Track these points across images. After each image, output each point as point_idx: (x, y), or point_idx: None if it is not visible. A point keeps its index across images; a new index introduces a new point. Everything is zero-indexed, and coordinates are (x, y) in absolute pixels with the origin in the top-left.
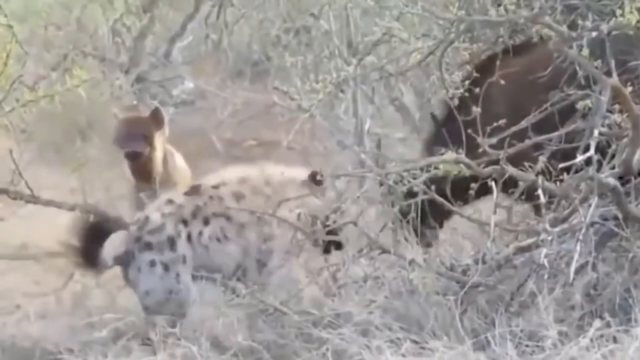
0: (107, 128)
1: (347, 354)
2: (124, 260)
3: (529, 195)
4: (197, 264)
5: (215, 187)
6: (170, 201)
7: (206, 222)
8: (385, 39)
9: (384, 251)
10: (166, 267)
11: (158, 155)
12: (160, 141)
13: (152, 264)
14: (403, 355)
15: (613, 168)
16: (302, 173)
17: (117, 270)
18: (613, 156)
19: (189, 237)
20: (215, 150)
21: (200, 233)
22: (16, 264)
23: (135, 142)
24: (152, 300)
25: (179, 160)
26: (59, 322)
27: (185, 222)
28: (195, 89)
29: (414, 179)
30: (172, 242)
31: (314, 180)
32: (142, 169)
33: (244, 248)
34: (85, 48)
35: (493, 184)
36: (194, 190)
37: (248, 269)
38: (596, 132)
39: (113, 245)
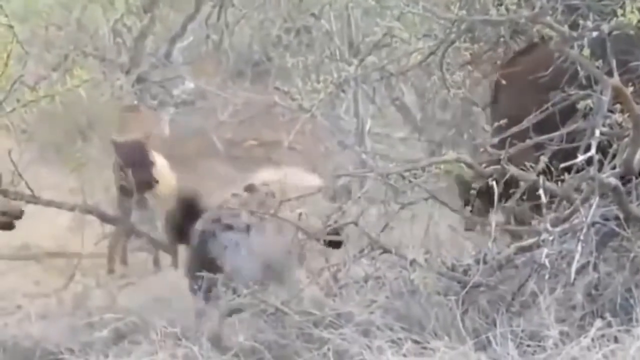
0: (108, 128)
1: (348, 354)
2: (201, 240)
3: (530, 195)
4: (263, 256)
5: (266, 184)
6: (236, 195)
7: (265, 217)
8: (386, 39)
9: (385, 251)
10: (248, 251)
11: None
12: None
13: (237, 245)
14: (404, 356)
15: (614, 168)
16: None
17: (119, 270)
18: (614, 156)
19: (257, 229)
20: (215, 150)
21: (263, 228)
22: (17, 264)
23: (143, 171)
24: (240, 276)
25: (165, 167)
26: (60, 322)
27: (253, 214)
28: (195, 89)
29: (415, 178)
30: (247, 229)
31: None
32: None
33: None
34: (86, 48)
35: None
36: (249, 189)
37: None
38: (597, 132)
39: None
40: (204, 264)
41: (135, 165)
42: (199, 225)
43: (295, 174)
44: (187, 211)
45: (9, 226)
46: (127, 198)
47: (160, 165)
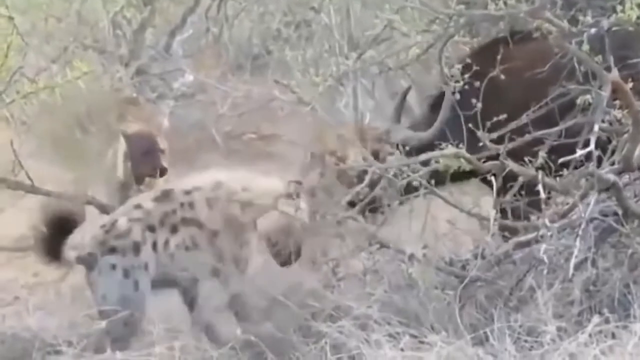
0: (107, 120)
1: (346, 348)
2: (88, 262)
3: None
4: (160, 271)
5: (188, 192)
6: (138, 206)
7: (174, 230)
8: (386, 33)
9: (384, 245)
10: (126, 273)
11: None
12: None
13: (113, 267)
14: (402, 350)
15: (613, 164)
16: (278, 184)
17: None
18: (613, 152)
19: (154, 245)
20: (215, 143)
21: (167, 242)
22: (15, 255)
23: (158, 160)
24: (107, 305)
25: None
26: (58, 314)
27: (152, 229)
28: (195, 82)
29: (414, 172)
30: (136, 248)
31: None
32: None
33: (218, 255)
34: (86, 40)
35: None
36: (164, 195)
37: (226, 276)
38: (596, 128)
39: (75, 244)
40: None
41: (146, 155)
42: (85, 248)
43: (248, 178)
44: (61, 227)
45: None
46: (128, 190)
47: None
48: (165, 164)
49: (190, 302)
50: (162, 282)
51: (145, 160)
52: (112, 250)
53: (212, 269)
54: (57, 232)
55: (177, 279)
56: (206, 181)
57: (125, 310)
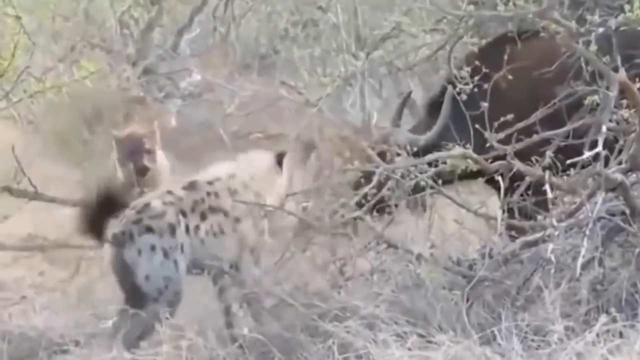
0: (114, 120)
1: (353, 348)
2: (120, 241)
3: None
4: (193, 256)
5: (211, 182)
6: (170, 192)
7: (203, 217)
8: (394, 33)
9: (391, 245)
10: (166, 254)
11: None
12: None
13: (153, 248)
14: (409, 349)
15: (620, 163)
16: (267, 157)
17: None
18: (620, 151)
19: (187, 229)
20: (222, 142)
21: (197, 227)
22: (22, 255)
23: (140, 157)
24: (152, 287)
25: (161, 155)
26: (65, 313)
27: (184, 214)
28: (202, 82)
29: (421, 173)
30: (172, 230)
31: (279, 162)
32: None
33: (240, 241)
34: (93, 40)
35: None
36: (191, 185)
37: (243, 261)
38: (604, 128)
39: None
40: (120, 269)
41: (131, 156)
42: (116, 227)
43: (252, 167)
44: (105, 207)
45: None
46: (130, 191)
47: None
48: (147, 163)
49: (220, 288)
50: (193, 267)
51: (130, 161)
52: (149, 230)
53: (251, 246)
54: (102, 211)
55: (205, 265)
56: (222, 172)
57: (169, 291)
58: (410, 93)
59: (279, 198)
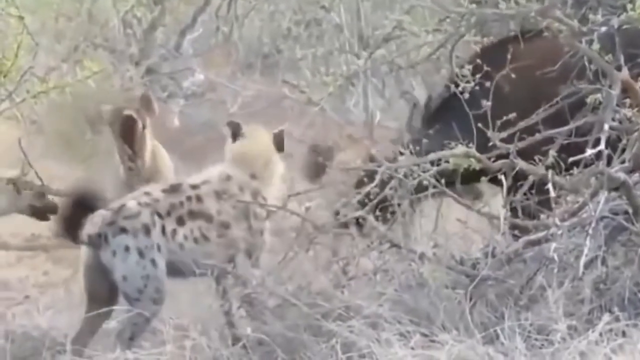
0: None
1: (356, 347)
2: (96, 242)
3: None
4: (169, 259)
5: (195, 186)
6: (147, 193)
7: (180, 221)
8: (396, 32)
9: (394, 244)
10: (141, 253)
11: (147, 141)
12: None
13: (127, 248)
14: (412, 348)
15: (623, 162)
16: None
17: None
18: (623, 150)
19: (163, 230)
20: (224, 142)
21: (175, 231)
22: (26, 255)
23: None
24: (130, 287)
25: (164, 155)
26: (68, 313)
27: (160, 216)
28: (205, 81)
29: (424, 172)
30: (147, 230)
31: (278, 142)
32: (133, 147)
33: (232, 246)
34: (96, 39)
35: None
36: (173, 188)
37: (238, 265)
38: (606, 127)
39: (86, 226)
40: (97, 271)
41: (124, 134)
42: (91, 228)
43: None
44: (81, 207)
45: (43, 217)
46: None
47: (163, 152)
48: (135, 115)
49: (223, 291)
50: (171, 271)
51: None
52: (123, 231)
53: (245, 249)
54: (78, 212)
55: (185, 269)
56: (215, 174)
57: (149, 289)
58: (414, 106)
59: (281, 196)
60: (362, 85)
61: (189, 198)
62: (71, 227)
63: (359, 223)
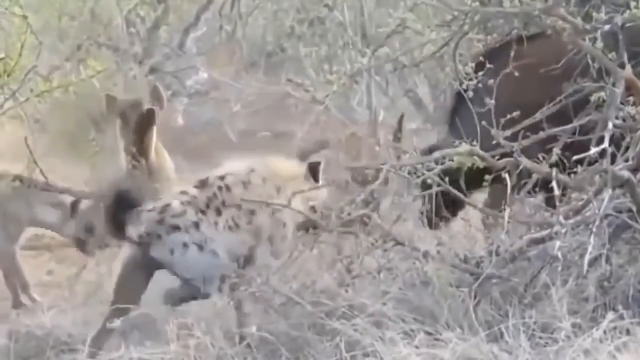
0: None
1: (360, 345)
2: (147, 241)
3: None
4: (224, 248)
5: (222, 177)
6: (184, 192)
7: (218, 212)
8: (400, 30)
9: (398, 243)
10: (200, 247)
11: (153, 136)
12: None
13: (185, 245)
14: (416, 347)
15: (627, 160)
16: (301, 168)
17: None
18: (627, 148)
19: (208, 224)
20: (228, 140)
21: (216, 223)
22: (29, 254)
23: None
24: (198, 280)
25: (166, 154)
26: (72, 312)
27: (203, 212)
28: (209, 80)
29: (429, 170)
30: (196, 226)
31: (313, 173)
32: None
33: (256, 233)
34: (99, 38)
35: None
36: (202, 183)
37: (259, 251)
38: (610, 125)
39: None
40: (148, 268)
41: (140, 128)
42: (138, 227)
43: (280, 161)
44: (125, 205)
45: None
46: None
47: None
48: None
49: (231, 286)
50: None
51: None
52: (175, 228)
53: (268, 237)
54: (119, 208)
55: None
56: (239, 167)
57: (217, 278)
58: (403, 116)
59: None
60: (365, 84)
61: (219, 188)
62: (116, 226)
63: (363, 222)
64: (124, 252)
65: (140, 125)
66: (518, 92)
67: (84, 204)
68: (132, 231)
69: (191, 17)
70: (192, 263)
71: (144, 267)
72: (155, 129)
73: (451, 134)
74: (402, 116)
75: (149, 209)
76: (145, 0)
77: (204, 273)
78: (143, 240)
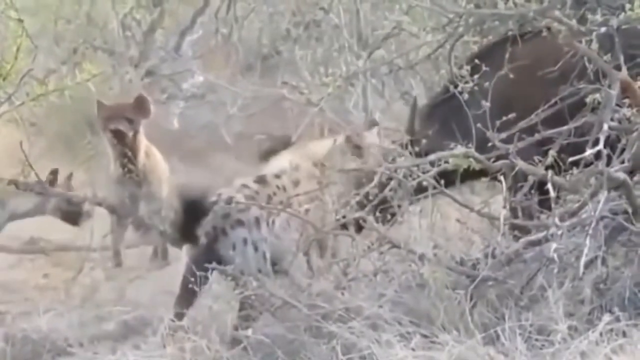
0: None
1: (357, 348)
2: (212, 236)
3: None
4: (271, 249)
5: (278, 176)
6: (245, 186)
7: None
8: (395, 32)
9: (394, 245)
10: (256, 247)
11: (141, 142)
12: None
13: (245, 242)
14: (413, 349)
15: (623, 162)
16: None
17: (128, 262)
18: (623, 150)
19: (267, 223)
20: (224, 144)
21: (274, 222)
22: (26, 257)
23: (118, 122)
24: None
25: (158, 155)
26: (69, 315)
27: (262, 208)
28: (205, 83)
29: (424, 173)
30: (258, 223)
31: (353, 144)
32: (126, 155)
33: (305, 234)
34: (95, 42)
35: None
36: (261, 180)
37: (310, 255)
38: (605, 127)
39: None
40: (211, 262)
41: (111, 121)
42: (208, 221)
43: (312, 152)
44: (194, 211)
45: (74, 221)
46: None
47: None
48: (123, 128)
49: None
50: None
51: (111, 122)
52: (240, 223)
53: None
54: (190, 216)
55: (278, 260)
56: (286, 164)
57: (258, 283)
58: (415, 100)
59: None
60: (361, 86)
61: (278, 187)
62: (187, 232)
63: (358, 224)
64: (185, 253)
65: (114, 142)
66: (512, 91)
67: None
68: (201, 230)
69: (187, 21)
70: (246, 263)
71: (206, 265)
72: (139, 136)
73: (442, 135)
74: (414, 101)
75: (213, 200)
76: (141, 4)
77: (249, 274)
78: (209, 237)
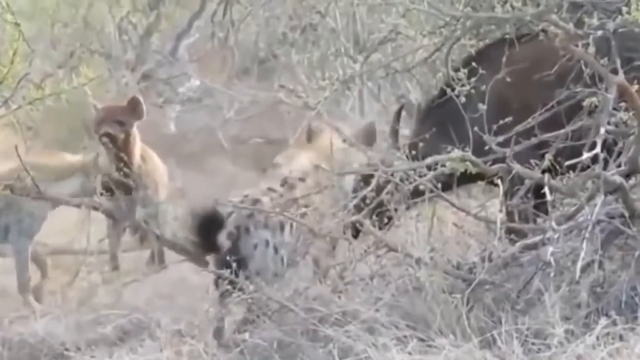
0: None
1: (353, 352)
2: (234, 235)
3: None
4: (288, 254)
5: (302, 179)
6: (271, 189)
7: (301, 215)
8: (392, 36)
9: (391, 249)
10: (276, 249)
11: (134, 144)
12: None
13: (267, 243)
14: (409, 353)
15: (619, 166)
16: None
17: (124, 266)
18: (619, 154)
19: (290, 226)
20: (221, 147)
21: (296, 227)
22: None
23: (109, 126)
24: (260, 280)
25: (156, 159)
26: (65, 319)
27: (287, 211)
28: (201, 87)
29: (420, 176)
30: (282, 227)
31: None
32: (120, 158)
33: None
34: (92, 46)
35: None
36: (286, 184)
37: (320, 258)
38: (602, 130)
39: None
40: (233, 261)
41: (102, 124)
42: (231, 222)
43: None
44: (212, 224)
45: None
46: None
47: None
48: (112, 130)
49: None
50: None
51: (101, 126)
52: (264, 225)
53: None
54: (207, 233)
55: (295, 262)
56: (308, 165)
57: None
58: (402, 105)
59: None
60: (358, 90)
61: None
62: (206, 242)
63: (355, 228)
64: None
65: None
66: (508, 94)
67: None
68: (224, 232)
69: (183, 24)
70: (265, 264)
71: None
72: (133, 139)
73: (439, 138)
74: (400, 107)
75: (240, 201)
76: (138, 8)
77: (268, 278)
78: (232, 238)
